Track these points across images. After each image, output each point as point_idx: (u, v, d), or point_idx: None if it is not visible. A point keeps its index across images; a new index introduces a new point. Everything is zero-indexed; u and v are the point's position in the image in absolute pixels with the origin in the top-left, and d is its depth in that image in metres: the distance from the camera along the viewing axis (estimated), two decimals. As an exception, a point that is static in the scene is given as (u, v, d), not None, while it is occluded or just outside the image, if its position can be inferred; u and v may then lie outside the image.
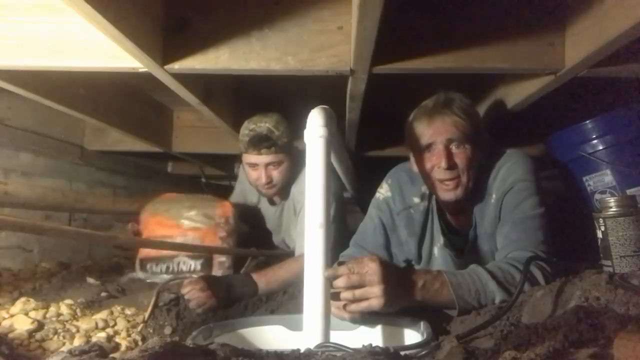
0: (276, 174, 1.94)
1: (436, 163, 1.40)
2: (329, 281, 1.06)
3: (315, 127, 1.12)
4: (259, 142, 1.85)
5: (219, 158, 2.89)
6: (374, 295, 1.07)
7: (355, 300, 1.09)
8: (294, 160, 1.97)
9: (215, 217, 1.97)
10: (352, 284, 1.08)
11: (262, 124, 1.86)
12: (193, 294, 1.60)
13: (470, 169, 1.39)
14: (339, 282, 1.08)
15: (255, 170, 1.94)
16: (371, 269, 1.08)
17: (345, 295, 1.09)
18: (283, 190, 2.04)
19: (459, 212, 1.54)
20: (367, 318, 1.15)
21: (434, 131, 1.39)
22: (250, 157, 1.91)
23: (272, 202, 2.17)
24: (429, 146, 1.41)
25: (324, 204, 1.07)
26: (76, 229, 1.58)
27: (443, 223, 1.54)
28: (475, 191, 1.46)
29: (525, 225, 1.33)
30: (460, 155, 1.38)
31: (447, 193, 1.41)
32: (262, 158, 1.89)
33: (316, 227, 1.05)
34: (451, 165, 1.37)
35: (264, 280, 1.73)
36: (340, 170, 2.13)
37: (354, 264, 1.11)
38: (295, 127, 1.19)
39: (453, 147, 1.38)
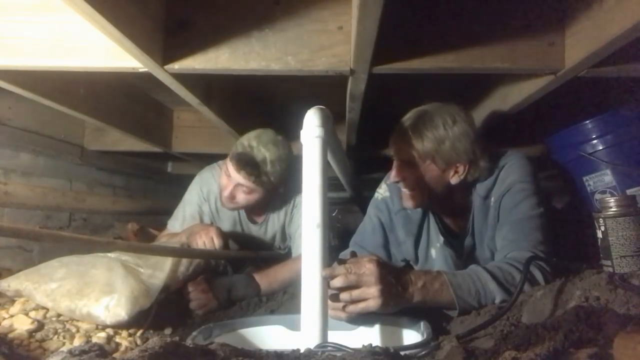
0: (242, 197, 1.84)
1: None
2: (327, 281, 1.06)
3: (311, 127, 1.13)
4: (244, 164, 1.75)
5: (219, 158, 2.89)
6: (371, 296, 1.07)
7: (352, 301, 1.09)
8: (270, 195, 1.89)
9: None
10: (349, 283, 1.08)
11: (263, 149, 1.76)
12: (195, 295, 1.60)
13: (422, 188, 1.43)
14: (336, 282, 1.08)
15: (227, 180, 1.83)
16: (368, 269, 1.09)
17: (343, 296, 1.09)
18: (249, 211, 1.98)
19: (455, 214, 1.55)
20: (365, 319, 1.15)
21: (391, 146, 1.47)
22: (229, 166, 1.81)
23: (253, 221, 2.08)
24: (392, 157, 1.49)
25: (321, 204, 1.07)
26: (73, 235, 1.57)
27: (440, 225, 1.55)
28: (474, 194, 1.46)
29: (523, 226, 1.33)
30: (410, 175, 1.43)
31: (402, 202, 1.51)
32: (237, 177, 1.78)
33: (313, 227, 1.05)
34: (398, 180, 1.46)
35: (266, 280, 1.72)
36: (338, 170, 2.12)
37: (351, 264, 1.11)
38: (295, 127, 1.19)
39: (404, 165, 1.44)
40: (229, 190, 1.82)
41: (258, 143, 1.78)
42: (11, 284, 1.44)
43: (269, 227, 2.07)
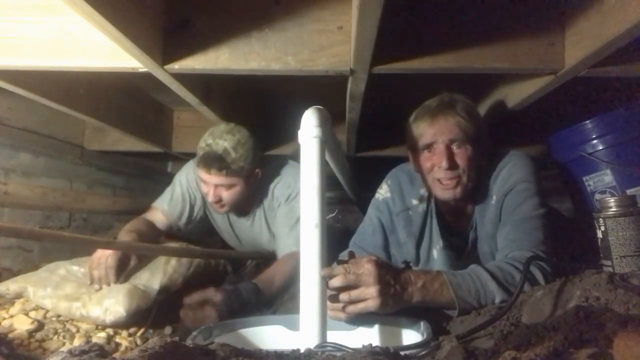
0: (226, 195, 1.84)
1: (437, 163, 1.40)
2: (326, 281, 1.06)
3: (309, 127, 1.13)
4: (210, 162, 1.75)
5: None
6: (370, 296, 1.07)
7: (351, 301, 1.09)
8: (251, 182, 1.88)
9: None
10: (348, 283, 1.08)
11: (220, 141, 1.76)
12: (196, 315, 1.44)
13: (471, 169, 1.39)
14: (335, 282, 1.08)
15: (206, 186, 1.85)
16: (367, 269, 1.09)
17: (342, 296, 1.09)
18: (238, 208, 1.96)
19: (458, 213, 1.54)
20: (365, 319, 1.15)
21: (436, 131, 1.40)
22: (200, 173, 1.82)
23: (240, 214, 2.07)
24: (430, 145, 1.42)
25: (319, 204, 1.07)
26: (73, 235, 1.57)
27: (442, 225, 1.54)
28: (476, 192, 1.46)
29: (525, 226, 1.33)
30: (462, 155, 1.38)
31: (446, 192, 1.42)
32: (211, 178, 1.79)
33: (312, 227, 1.05)
34: (452, 166, 1.38)
35: (269, 290, 1.66)
36: (337, 170, 2.12)
37: (350, 264, 1.11)
38: (295, 127, 1.19)
39: (454, 147, 1.39)
40: (212, 193, 1.83)
41: (213, 138, 1.78)
42: (10, 287, 1.45)
43: (255, 220, 2.06)
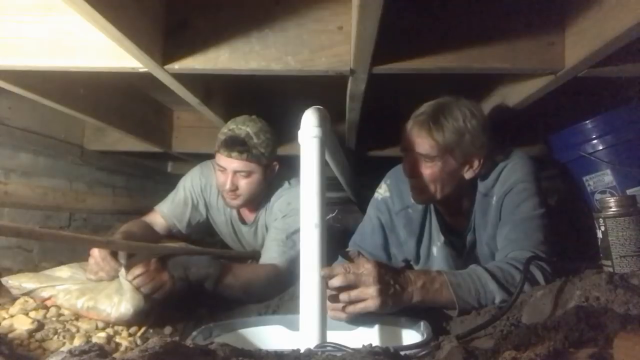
0: (243, 183, 1.82)
1: (404, 167, 1.46)
2: (325, 280, 1.06)
3: (309, 127, 1.13)
4: (232, 145, 1.75)
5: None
6: (370, 296, 1.07)
7: (351, 301, 1.09)
8: (268, 174, 1.88)
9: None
10: (348, 283, 1.08)
11: (243, 127, 1.78)
12: (147, 276, 1.42)
13: (437, 183, 1.41)
14: (335, 282, 1.08)
15: (223, 174, 1.82)
16: (367, 269, 1.09)
17: (342, 296, 1.10)
18: (250, 203, 1.95)
19: (455, 212, 1.54)
20: (365, 319, 1.15)
21: (407, 140, 1.44)
22: (220, 159, 1.81)
23: (243, 222, 2.08)
24: (403, 150, 1.47)
25: (319, 204, 1.07)
26: (73, 235, 1.57)
27: (442, 223, 1.55)
28: (476, 193, 1.46)
29: (525, 226, 1.33)
30: (427, 170, 1.41)
31: (413, 196, 1.49)
32: (231, 163, 1.78)
33: (311, 226, 1.05)
34: (412, 175, 1.44)
35: (230, 270, 1.60)
36: (337, 171, 2.12)
37: (350, 264, 1.11)
38: (295, 127, 1.19)
39: (422, 160, 1.41)
40: (229, 181, 1.80)
41: (236, 124, 1.80)
42: (16, 282, 1.46)
43: (258, 228, 2.06)
